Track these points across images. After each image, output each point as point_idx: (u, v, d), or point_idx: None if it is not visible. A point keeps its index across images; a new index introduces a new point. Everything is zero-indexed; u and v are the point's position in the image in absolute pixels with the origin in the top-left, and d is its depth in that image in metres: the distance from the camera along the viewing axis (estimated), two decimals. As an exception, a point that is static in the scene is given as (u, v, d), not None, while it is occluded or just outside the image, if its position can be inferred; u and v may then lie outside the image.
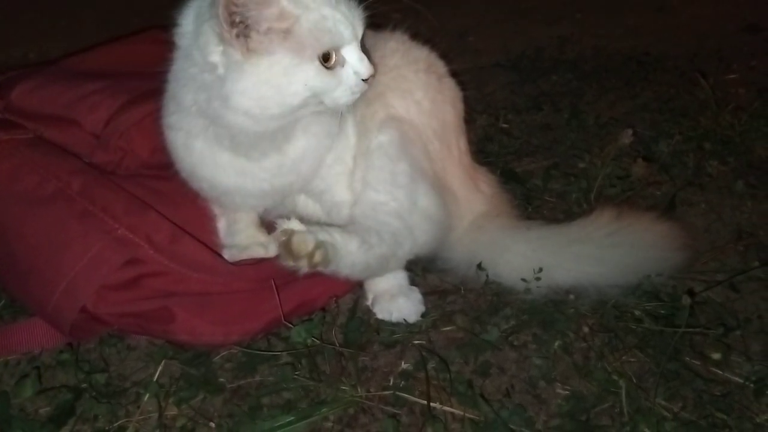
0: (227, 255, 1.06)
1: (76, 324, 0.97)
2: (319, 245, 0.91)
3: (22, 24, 2.29)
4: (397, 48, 1.15)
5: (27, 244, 0.99)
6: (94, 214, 0.98)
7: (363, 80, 0.90)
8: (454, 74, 1.22)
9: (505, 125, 1.61)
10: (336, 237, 0.95)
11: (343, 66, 0.89)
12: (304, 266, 0.91)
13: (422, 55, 1.18)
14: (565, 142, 1.54)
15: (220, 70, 0.86)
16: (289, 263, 0.91)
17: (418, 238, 1.04)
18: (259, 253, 1.06)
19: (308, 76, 0.86)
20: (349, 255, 0.96)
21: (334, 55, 0.88)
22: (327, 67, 0.88)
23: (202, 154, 0.97)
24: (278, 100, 0.87)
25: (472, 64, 2.01)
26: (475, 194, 1.15)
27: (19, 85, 1.17)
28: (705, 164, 1.39)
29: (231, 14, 0.83)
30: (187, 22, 0.92)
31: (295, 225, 0.92)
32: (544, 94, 1.80)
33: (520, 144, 1.55)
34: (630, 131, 1.34)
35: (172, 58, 0.96)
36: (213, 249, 1.02)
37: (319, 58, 0.87)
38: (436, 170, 1.10)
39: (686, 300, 0.91)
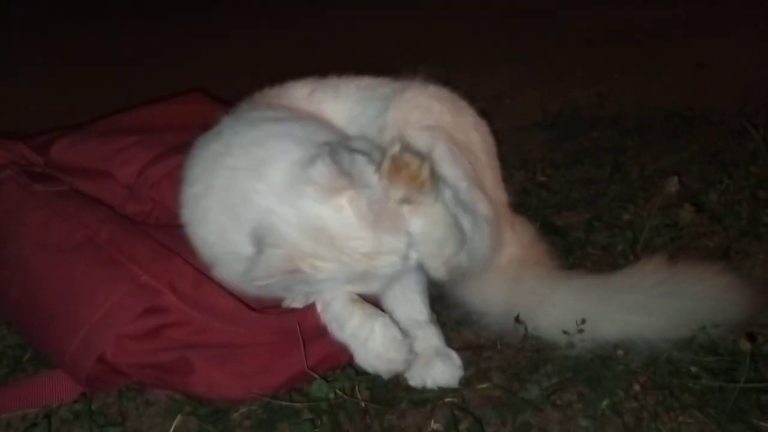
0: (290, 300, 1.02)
1: (95, 375, 0.95)
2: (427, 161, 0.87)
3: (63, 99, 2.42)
4: (440, 108, 1.15)
5: (52, 291, 0.99)
6: (120, 261, 0.98)
7: None
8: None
9: (543, 178, 1.56)
10: None
11: None
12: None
13: (461, 109, 1.18)
14: (608, 194, 1.47)
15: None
16: (400, 188, 0.87)
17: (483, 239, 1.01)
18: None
19: None
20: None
21: None
22: None
23: None
24: None
25: (509, 124, 1.99)
26: (508, 232, 1.09)
27: (58, 141, 1.21)
28: (760, 214, 1.29)
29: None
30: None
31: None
32: (584, 150, 1.75)
33: (560, 198, 1.49)
34: (675, 179, 1.27)
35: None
36: (237, 297, 0.99)
37: None
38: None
39: (745, 345, 0.81)
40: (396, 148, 0.86)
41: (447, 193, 0.94)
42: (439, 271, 0.96)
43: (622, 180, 1.54)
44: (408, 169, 0.86)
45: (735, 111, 1.85)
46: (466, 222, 0.96)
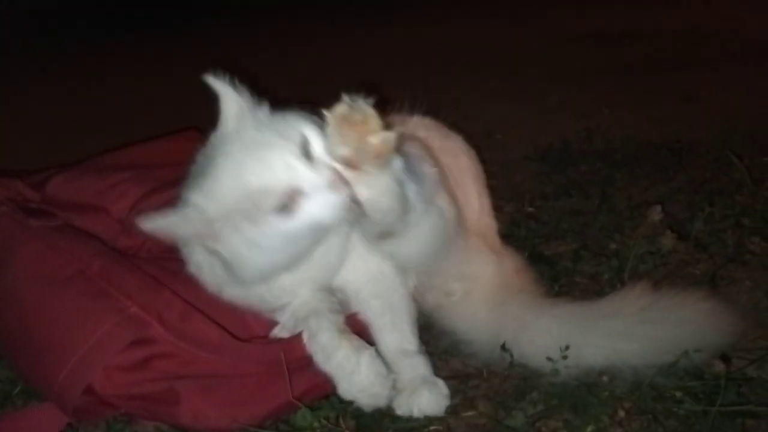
0: (279, 330, 1.03)
1: (82, 406, 0.96)
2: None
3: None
4: (426, 135, 1.17)
5: (43, 322, 1.00)
6: (110, 293, 0.99)
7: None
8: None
9: (532, 209, 1.59)
10: None
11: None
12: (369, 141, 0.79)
13: (449, 135, 1.21)
14: (596, 225, 1.49)
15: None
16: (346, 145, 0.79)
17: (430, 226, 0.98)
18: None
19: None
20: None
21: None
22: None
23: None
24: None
25: (500, 158, 2.02)
26: (487, 253, 1.10)
27: (54, 178, 1.24)
28: (745, 241, 1.31)
29: None
30: None
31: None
32: (572, 182, 1.78)
33: (549, 229, 1.51)
34: (659, 207, 1.29)
35: None
36: (224, 328, 1.00)
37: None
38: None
39: (719, 366, 0.81)
40: (351, 99, 0.78)
41: (396, 163, 0.87)
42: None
43: (610, 211, 1.56)
44: (362, 126, 0.78)
45: (721, 143, 1.88)
46: (411, 192, 0.91)
